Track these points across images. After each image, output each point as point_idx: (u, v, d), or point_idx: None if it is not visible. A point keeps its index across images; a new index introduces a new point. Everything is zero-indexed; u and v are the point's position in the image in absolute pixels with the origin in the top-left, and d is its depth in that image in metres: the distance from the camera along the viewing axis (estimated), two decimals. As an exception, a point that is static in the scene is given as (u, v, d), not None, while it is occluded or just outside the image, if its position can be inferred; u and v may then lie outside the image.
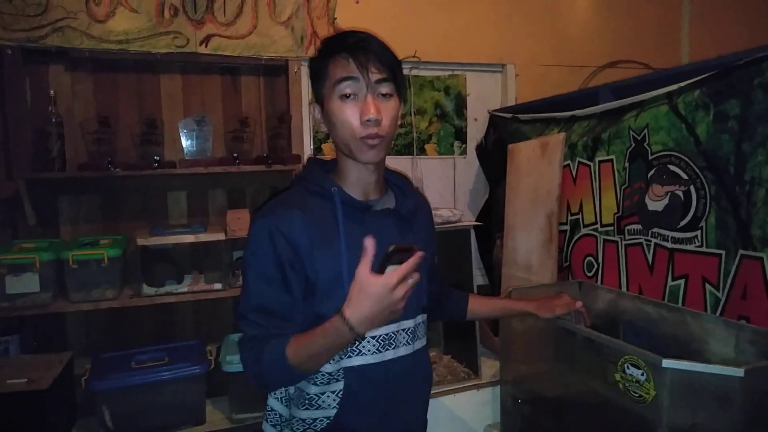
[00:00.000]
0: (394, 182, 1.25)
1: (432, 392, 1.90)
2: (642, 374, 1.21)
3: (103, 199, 2.47)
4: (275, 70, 2.63)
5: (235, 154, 2.46)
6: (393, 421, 1.16)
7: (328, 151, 2.68)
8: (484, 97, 2.92)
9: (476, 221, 2.67)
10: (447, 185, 2.90)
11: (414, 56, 2.74)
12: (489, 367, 2.08)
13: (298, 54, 2.59)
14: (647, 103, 1.70)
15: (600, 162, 1.89)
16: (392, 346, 1.13)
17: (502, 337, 1.82)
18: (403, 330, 1.15)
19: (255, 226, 1.09)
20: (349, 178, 1.16)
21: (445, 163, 2.89)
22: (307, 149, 2.67)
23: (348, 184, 1.15)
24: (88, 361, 2.18)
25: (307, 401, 1.13)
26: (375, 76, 1.07)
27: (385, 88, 1.09)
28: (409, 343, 1.17)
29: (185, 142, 2.53)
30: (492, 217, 2.58)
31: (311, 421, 1.12)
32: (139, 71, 2.51)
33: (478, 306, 1.48)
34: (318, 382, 1.12)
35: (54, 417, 1.99)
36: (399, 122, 1.17)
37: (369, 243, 0.92)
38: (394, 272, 0.91)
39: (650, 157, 1.69)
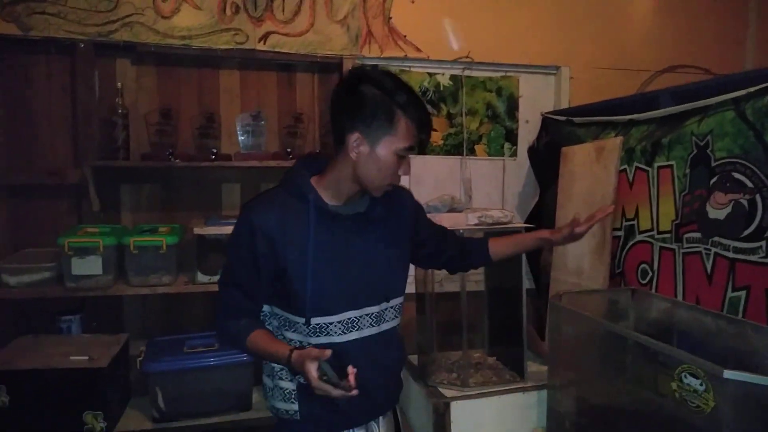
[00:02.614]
0: None
1: (476, 393, 1.93)
2: (701, 384, 1.18)
3: (162, 188, 2.57)
4: (330, 68, 2.68)
5: (288, 150, 2.52)
6: (360, 392, 1.23)
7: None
8: (536, 99, 2.89)
9: (526, 224, 2.65)
10: (496, 187, 2.88)
11: (467, 57, 2.74)
12: (535, 371, 2.06)
13: (353, 52, 2.62)
14: (711, 109, 1.66)
15: (659, 167, 1.85)
16: (356, 329, 1.30)
17: (550, 341, 1.81)
18: (366, 315, 1.32)
19: (240, 219, 1.28)
20: (334, 187, 1.30)
21: (494, 164, 2.88)
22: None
23: (329, 190, 1.30)
24: (142, 344, 2.27)
25: (285, 371, 1.33)
26: (423, 142, 1.30)
27: None
28: (374, 326, 1.33)
29: (241, 137, 2.61)
30: (541, 221, 2.55)
31: (294, 374, 1.30)
32: (200, 66, 2.60)
33: (499, 246, 1.60)
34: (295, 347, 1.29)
35: (111, 394, 2.09)
36: None
37: (327, 353, 1.11)
38: (315, 379, 1.11)
39: (713, 164, 1.64)
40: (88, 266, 2.17)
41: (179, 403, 2.14)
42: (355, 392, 1.11)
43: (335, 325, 1.27)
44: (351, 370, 1.11)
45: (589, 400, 1.66)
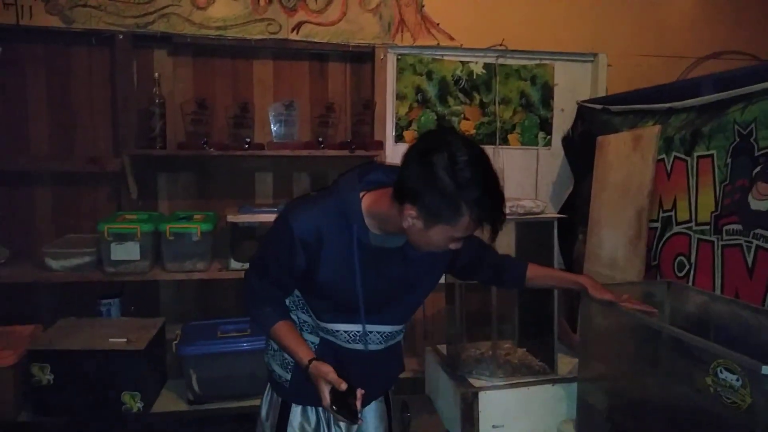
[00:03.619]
0: None
1: (504, 384, 1.92)
2: (737, 380, 1.14)
3: (197, 176, 2.63)
4: (362, 57, 2.68)
5: (320, 139, 2.53)
6: (356, 381, 1.24)
7: (410, 138, 2.69)
8: (572, 87, 2.82)
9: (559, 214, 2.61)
10: (529, 177, 2.84)
11: (501, 45, 2.70)
12: (565, 363, 2.04)
13: (385, 41, 2.61)
14: (756, 96, 1.59)
15: (699, 157, 1.79)
16: (363, 342, 1.30)
17: (581, 333, 1.78)
18: (378, 332, 1.31)
19: (280, 223, 1.23)
20: (382, 217, 1.19)
21: (528, 153, 2.83)
22: (390, 136, 2.70)
23: (377, 218, 1.20)
24: (178, 327, 2.33)
25: None
26: None
27: None
28: (381, 343, 1.33)
29: (274, 126, 2.64)
30: (575, 211, 2.51)
31: (288, 361, 1.34)
32: (235, 57, 2.63)
33: (536, 275, 1.51)
34: (304, 330, 1.34)
35: (147, 376, 2.15)
36: None
37: (343, 386, 1.14)
38: (327, 399, 1.15)
39: (757, 153, 1.58)
40: (126, 252, 2.24)
41: (213, 386, 2.19)
42: (360, 421, 1.15)
43: (342, 334, 1.29)
44: (359, 394, 1.12)
45: (620, 393, 1.63)
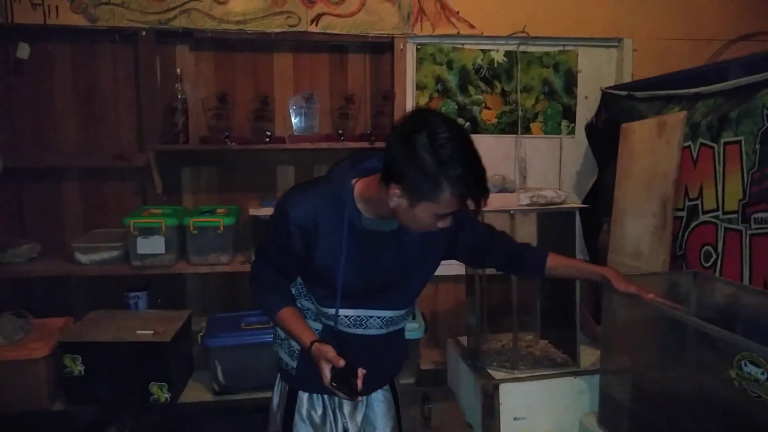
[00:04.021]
0: None
1: (525, 376, 1.90)
2: (762, 373, 1.11)
3: (220, 170, 2.66)
4: (381, 48, 2.66)
5: (339, 131, 2.53)
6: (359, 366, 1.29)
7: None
8: (596, 73, 2.76)
9: (582, 204, 2.57)
10: (552, 166, 2.80)
11: (522, 32, 2.65)
12: (588, 355, 2.01)
13: (404, 31, 2.59)
14: (787, 79, 1.53)
15: (726, 143, 1.73)
16: (363, 327, 1.33)
17: (604, 325, 1.75)
18: (378, 317, 1.34)
19: (278, 208, 1.29)
20: (373, 201, 1.23)
21: (551, 142, 2.79)
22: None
23: (368, 203, 1.25)
24: (203, 319, 2.37)
25: None
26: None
27: None
28: (382, 328, 1.35)
29: (294, 119, 2.65)
30: (599, 201, 2.46)
31: (294, 349, 1.38)
32: (255, 50, 2.65)
33: (557, 264, 1.50)
34: (308, 317, 1.37)
35: (174, 367, 2.20)
36: None
37: (341, 362, 1.17)
38: (327, 378, 1.18)
39: (787, 139, 1.53)
40: (152, 245, 2.28)
41: (237, 377, 2.23)
42: (360, 399, 1.19)
43: (343, 318, 1.32)
44: (360, 373, 1.15)
45: (643, 385, 1.60)
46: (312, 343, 1.23)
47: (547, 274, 1.51)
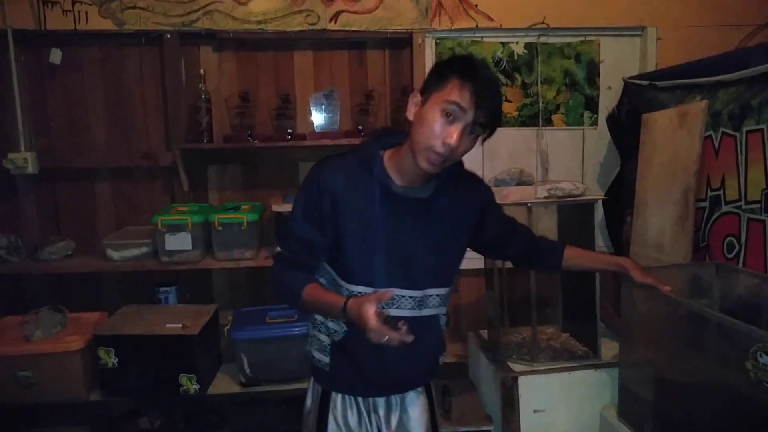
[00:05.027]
0: (442, 175, 1.32)
1: (545, 368, 1.90)
2: (777, 365, 1.10)
3: (244, 168, 2.72)
4: (400, 43, 2.68)
5: (359, 127, 2.56)
6: (388, 365, 1.33)
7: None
8: (619, 63, 2.71)
9: (606, 196, 2.54)
10: (575, 158, 2.77)
11: (542, 23, 2.63)
12: (610, 348, 2.00)
13: (423, 26, 2.60)
14: (810, 65, 1.50)
15: (748, 132, 1.70)
16: (395, 306, 1.31)
17: (623, 317, 1.74)
18: (409, 297, 1.33)
19: (309, 175, 1.31)
20: (401, 164, 1.28)
21: (573, 134, 2.76)
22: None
23: (396, 168, 1.29)
24: (230, 314, 2.44)
25: (324, 325, 1.40)
26: (479, 118, 1.19)
27: (476, 129, 1.21)
28: (414, 309, 1.34)
29: (315, 116, 2.69)
30: (623, 192, 2.43)
31: (333, 330, 1.37)
32: (276, 49, 2.69)
33: (574, 256, 1.52)
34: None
35: (202, 359, 2.27)
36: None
37: (388, 294, 1.16)
38: (373, 318, 1.12)
39: (810, 127, 1.49)
40: (179, 242, 2.36)
41: (263, 370, 2.29)
42: (410, 338, 1.13)
43: None
44: (401, 324, 1.14)
45: (662, 378, 1.59)
46: (346, 303, 1.19)
47: (564, 266, 1.51)
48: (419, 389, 1.46)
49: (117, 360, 2.18)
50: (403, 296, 1.32)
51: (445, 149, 1.17)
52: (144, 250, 2.43)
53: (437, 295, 1.37)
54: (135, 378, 2.19)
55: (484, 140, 1.26)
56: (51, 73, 2.57)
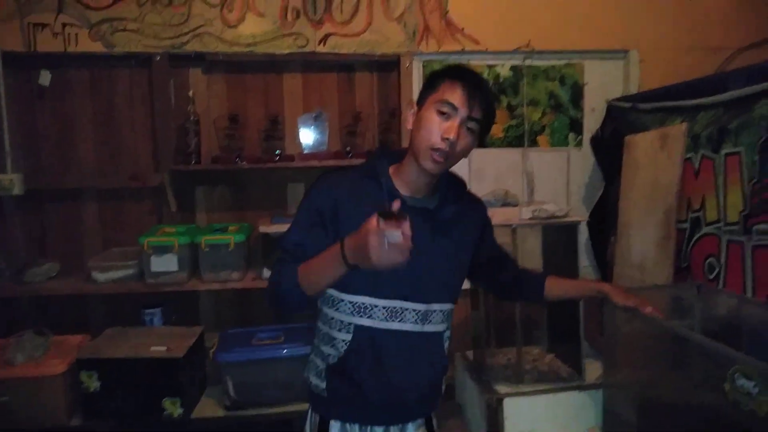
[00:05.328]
0: (446, 187, 1.39)
1: (530, 390, 1.90)
2: (754, 386, 1.11)
3: (232, 189, 2.73)
4: (388, 66, 2.71)
5: (347, 149, 2.58)
6: (390, 384, 1.30)
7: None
8: (603, 86, 2.76)
9: (590, 217, 2.56)
10: (560, 178, 2.80)
11: (527, 46, 2.67)
12: (595, 368, 2.00)
13: (410, 49, 2.64)
14: (784, 90, 1.53)
15: (726, 155, 1.73)
16: (398, 319, 1.30)
17: (606, 339, 1.75)
18: (413, 310, 1.31)
19: (313, 185, 1.33)
20: (405, 174, 1.32)
21: (558, 155, 2.79)
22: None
23: (401, 179, 1.33)
24: (216, 336, 2.42)
25: (327, 339, 1.36)
26: (472, 113, 1.25)
27: (472, 125, 1.26)
28: (417, 323, 1.32)
29: (304, 137, 2.71)
30: (607, 213, 2.46)
31: (326, 354, 1.35)
32: (265, 71, 2.72)
33: (555, 286, 1.52)
34: (334, 327, 1.33)
35: (187, 382, 2.24)
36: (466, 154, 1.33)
37: (395, 205, 1.10)
38: (374, 221, 1.05)
39: (785, 150, 1.52)
40: (165, 263, 2.35)
41: (248, 393, 2.26)
42: (406, 218, 1.07)
43: (380, 309, 1.29)
44: (396, 204, 1.10)
45: (645, 399, 1.59)
46: (342, 242, 1.14)
47: (546, 297, 1.52)
48: (419, 421, 1.40)
49: (100, 384, 2.15)
50: (407, 309, 1.31)
51: (446, 144, 1.23)
52: (129, 271, 2.42)
53: (441, 311, 1.36)
54: (117, 402, 2.16)
55: (482, 137, 1.31)
56: (40, 95, 2.58)
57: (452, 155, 1.25)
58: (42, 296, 2.48)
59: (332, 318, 1.33)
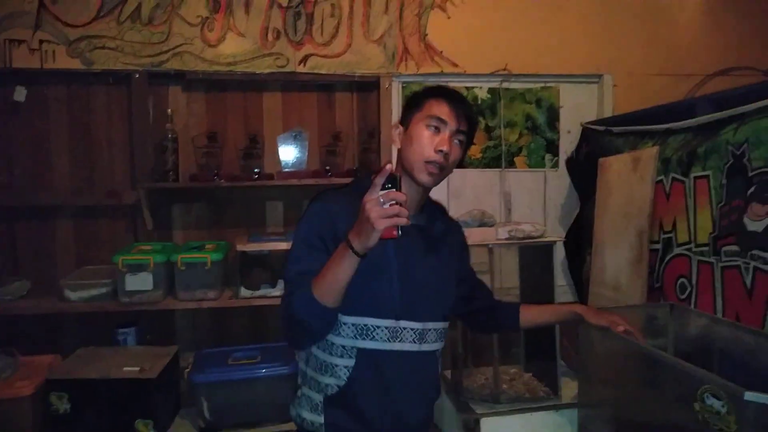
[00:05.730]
0: (431, 207, 1.45)
1: (508, 410, 1.90)
2: (722, 406, 1.13)
3: (210, 207, 2.71)
4: (367, 86, 2.74)
5: (327, 168, 2.59)
6: (392, 408, 1.31)
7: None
8: (578, 109, 2.83)
9: (567, 237, 2.60)
10: (537, 199, 2.84)
11: (504, 69, 2.73)
12: (571, 387, 2.01)
13: (390, 70, 2.68)
14: (748, 116, 1.58)
15: (695, 178, 1.78)
16: (398, 339, 1.31)
17: (580, 358, 1.76)
18: (410, 329, 1.32)
19: (310, 205, 1.34)
20: None
21: (535, 176, 2.84)
22: (395, 162, 2.73)
23: None
24: (191, 355, 2.38)
25: (325, 368, 1.33)
26: (460, 126, 1.31)
27: (460, 137, 1.33)
28: (415, 342, 1.33)
29: (283, 156, 2.71)
30: (582, 233, 2.50)
31: (324, 385, 1.32)
32: (245, 90, 2.72)
33: (530, 314, 1.57)
34: (335, 354, 1.31)
35: (160, 403, 2.20)
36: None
37: (388, 167, 1.11)
38: (372, 191, 1.09)
39: (750, 174, 1.56)
40: (140, 282, 2.32)
41: (224, 414, 2.23)
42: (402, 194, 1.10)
43: (382, 330, 1.29)
44: (388, 167, 1.11)
45: (619, 419, 1.60)
46: (347, 238, 1.14)
47: (522, 325, 1.57)
48: None
49: (70, 406, 2.09)
50: (405, 328, 1.32)
51: (440, 156, 1.28)
52: (103, 290, 2.37)
53: (434, 329, 1.38)
54: (88, 425, 2.10)
55: (466, 150, 1.37)
56: (14, 111, 2.55)
57: (446, 166, 1.31)
58: (10, 315, 2.42)
59: (333, 344, 1.31)
